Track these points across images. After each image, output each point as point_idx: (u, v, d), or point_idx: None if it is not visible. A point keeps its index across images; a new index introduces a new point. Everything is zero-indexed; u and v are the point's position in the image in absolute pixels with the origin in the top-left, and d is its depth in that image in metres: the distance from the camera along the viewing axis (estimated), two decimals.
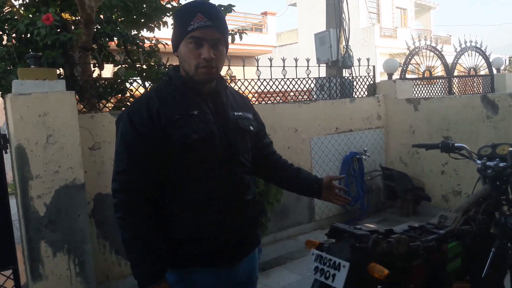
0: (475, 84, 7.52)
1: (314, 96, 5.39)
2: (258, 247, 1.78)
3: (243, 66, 4.35)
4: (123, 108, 3.97)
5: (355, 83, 5.51)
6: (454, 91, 7.22)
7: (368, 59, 5.49)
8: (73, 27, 3.66)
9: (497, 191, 2.53)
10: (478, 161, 2.57)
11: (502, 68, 8.04)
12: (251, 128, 1.65)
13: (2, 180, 3.20)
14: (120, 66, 3.91)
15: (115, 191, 1.46)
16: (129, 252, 1.44)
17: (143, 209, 1.44)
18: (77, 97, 3.67)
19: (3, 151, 3.23)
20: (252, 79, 4.51)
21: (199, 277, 1.53)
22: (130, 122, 1.46)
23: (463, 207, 2.37)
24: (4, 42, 3.69)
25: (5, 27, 3.49)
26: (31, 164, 3.10)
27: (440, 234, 2.14)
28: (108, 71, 4.86)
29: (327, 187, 1.85)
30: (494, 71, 7.65)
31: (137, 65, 4.09)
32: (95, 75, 4.10)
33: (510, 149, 2.42)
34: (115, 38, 3.97)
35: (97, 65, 3.96)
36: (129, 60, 4.12)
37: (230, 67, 4.28)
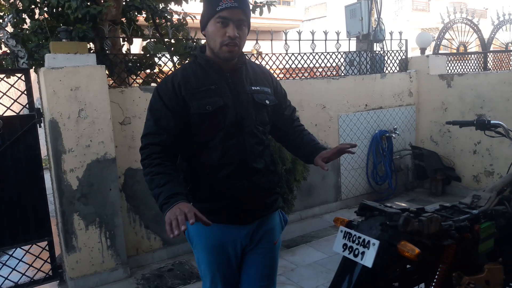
0: (505, 60, 7.18)
1: (344, 72, 5.27)
2: (281, 214, 1.93)
3: (271, 40, 4.27)
4: (153, 84, 3.99)
5: (386, 57, 5.35)
6: (490, 67, 6.92)
7: (400, 33, 5.31)
8: (102, 1, 3.66)
9: None
10: None
11: None
12: (267, 102, 1.77)
13: (37, 154, 3.30)
14: (149, 40, 3.91)
15: (141, 149, 1.66)
16: (152, 188, 1.56)
17: (163, 155, 1.61)
18: (107, 71, 3.71)
19: (38, 125, 3.31)
20: (280, 54, 4.44)
21: (210, 229, 1.65)
22: (158, 94, 1.68)
23: (498, 187, 2.29)
24: (36, 16, 3.74)
25: (37, 0, 3.52)
26: (64, 138, 3.18)
27: (473, 214, 2.08)
28: (136, 45, 4.87)
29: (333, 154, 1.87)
30: None
31: (166, 40, 4.07)
32: (124, 49, 4.12)
33: None
34: (143, 12, 3.95)
35: (126, 39, 3.97)
36: (157, 34, 4.11)
37: (258, 41, 4.23)
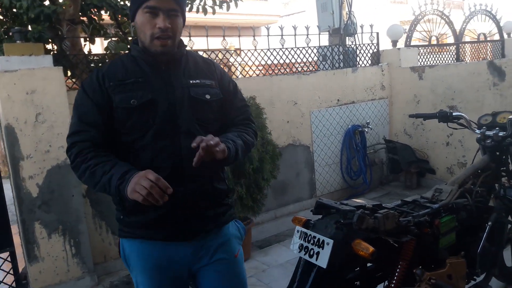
0: (483, 51, 7.22)
1: (320, 67, 5.21)
2: (237, 224, 1.72)
3: (239, 36, 4.19)
4: None
5: (358, 51, 5.31)
6: (464, 58, 6.96)
7: (371, 26, 5.27)
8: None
9: (497, 162, 2.44)
10: (477, 131, 2.46)
11: None
12: (207, 96, 1.57)
13: None
14: (110, 39, 3.80)
15: (67, 151, 1.49)
16: (97, 181, 1.39)
17: (94, 148, 1.45)
18: (68, 73, 3.59)
19: None
20: (249, 50, 4.37)
21: (148, 248, 1.53)
22: (82, 88, 1.53)
23: (459, 180, 2.27)
24: None
25: None
26: (21, 144, 3.06)
27: (433, 209, 2.05)
28: (99, 45, 4.75)
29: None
30: (506, 36, 7.34)
31: (129, 38, 3.97)
32: (86, 49, 4.00)
33: (510, 117, 2.30)
34: (104, 10, 3.83)
35: (87, 39, 3.85)
36: (120, 33, 4.00)
37: (225, 37, 4.14)
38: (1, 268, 3.25)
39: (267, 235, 4.06)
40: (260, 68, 4.67)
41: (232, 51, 4.29)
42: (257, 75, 4.54)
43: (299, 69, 4.94)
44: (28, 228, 3.12)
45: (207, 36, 3.96)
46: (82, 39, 3.86)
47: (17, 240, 3.37)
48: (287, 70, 4.74)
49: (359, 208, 1.75)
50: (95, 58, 3.80)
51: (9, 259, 3.29)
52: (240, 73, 4.65)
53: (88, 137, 1.45)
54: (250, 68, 4.50)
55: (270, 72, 4.60)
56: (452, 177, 4.67)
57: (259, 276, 3.28)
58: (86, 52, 3.77)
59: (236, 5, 4.24)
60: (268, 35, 4.42)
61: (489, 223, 2.24)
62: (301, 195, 4.75)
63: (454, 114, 2.52)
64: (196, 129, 1.53)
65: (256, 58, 4.43)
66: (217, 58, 4.26)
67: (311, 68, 5.05)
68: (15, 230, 3.33)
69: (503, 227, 2.35)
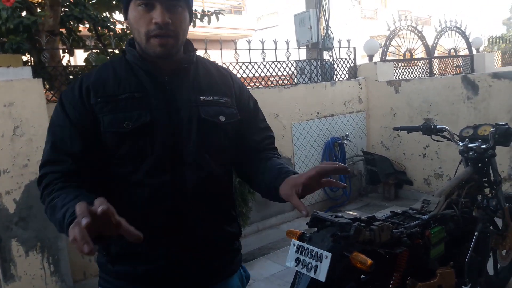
0: (449, 65, 7.50)
1: (295, 81, 5.28)
2: (242, 271, 1.43)
3: (221, 49, 4.20)
4: None
5: (335, 65, 5.42)
6: (435, 72, 7.20)
7: (348, 41, 5.39)
8: (38, 10, 3.45)
9: (479, 173, 2.51)
10: (460, 143, 2.53)
11: (481, 48, 8.04)
12: (222, 118, 1.25)
13: None
14: (90, 51, 3.73)
15: (37, 183, 1.18)
16: (54, 218, 1.06)
17: (65, 179, 1.13)
18: (46, 85, 3.49)
19: None
20: (231, 63, 4.38)
21: None
22: (60, 103, 1.20)
23: (446, 191, 2.32)
24: None
25: None
26: None
27: (423, 220, 2.09)
28: (79, 57, 4.66)
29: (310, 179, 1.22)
30: (474, 52, 7.66)
31: (109, 50, 3.91)
32: (65, 61, 3.91)
33: (491, 130, 2.38)
34: (84, 22, 3.77)
35: (66, 50, 3.77)
36: (100, 45, 3.93)
37: (207, 50, 4.14)
38: None
39: (251, 248, 4.03)
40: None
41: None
42: None
43: (275, 82, 4.97)
44: (4, 246, 2.99)
45: None
46: (60, 51, 3.77)
47: None
48: (262, 83, 4.76)
49: (355, 221, 1.76)
50: (75, 70, 3.72)
51: None
52: None
53: (61, 169, 1.14)
54: None
55: (246, 84, 4.61)
56: (430, 188, 4.80)
57: None
58: (65, 64, 3.69)
59: (218, 18, 4.25)
60: (249, 49, 4.45)
61: (476, 233, 2.30)
62: (284, 208, 4.75)
63: (438, 127, 2.59)
64: (205, 160, 1.22)
65: (238, 71, 4.45)
66: None
67: (286, 82, 5.10)
68: None
69: (488, 237, 2.42)
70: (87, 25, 4.03)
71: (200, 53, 4.10)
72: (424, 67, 6.84)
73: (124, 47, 1.28)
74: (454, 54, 7.47)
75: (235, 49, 4.34)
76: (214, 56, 4.34)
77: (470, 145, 2.48)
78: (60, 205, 1.04)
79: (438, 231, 2.11)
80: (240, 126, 1.32)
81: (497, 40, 9.28)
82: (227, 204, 1.33)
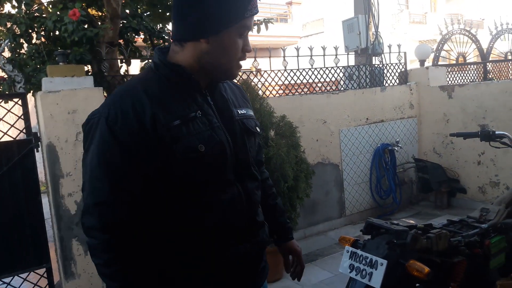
0: (504, 70, 7.15)
1: (343, 86, 5.24)
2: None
3: (270, 57, 4.26)
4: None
5: (385, 71, 5.33)
6: (490, 77, 6.90)
7: (399, 45, 5.30)
8: (99, 23, 3.66)
9: None
10: None
11: None
12: (258, 129, 1.31)
13: (34, 178, 3.25)
14: (146, 61, 3.90)
15: (91, 229, 1.07)
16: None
17: (132, 251, 1.07)
18: (105, 93, 3.69)
19: (35, 149, 3.27)
20: (279, 70, 4.42)
21: None
22: (111, 133, 1.04)
23: (506, 199, 2.24)
24: (34, 41, 3.73)
25: (34, 25, 3.52)
26: (62, 162, 3.14)
27: (483, 228, 2.03)
28: (135, 66, 4.87)
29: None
30: None
31: None
32: (122, 70, 4.11)
33: None
34: (141, 33, 3.95)
35: (124, 60, 3.96)
36: None
37: (257, 58, 4.21)
38: (37, 284, 3.30)
39: None
40: (283, 87, 4.69)
41: (263, 71, 4.35)
42: (287, 94, 4.57)
43: (323, 89, 4.95)
44: (66, 245, 3.17)
45: None
46: (118, 61, 3.97)
47: (51, 255, 3.41)
48: (305, 89, 4.75)
49: (411, 228, 1.75)
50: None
51: (45, 275, 3.33)
52: (264, 93, 4.69)
53: (126, 223, 1.05)
54: (273, 88, 4.53)
55: (294, 92, 4.62)
56: (485, 197, 4.60)
57: None
58: (123, 73, 3.88)
59: (267, 27, 4.32)
60: (297, 56, 4.48)
61: None
62: (331, 214, 4.72)
63: (497, 133, 2.50)
64: (255, 169, 1.29)
65: (286, 78, 4.49)
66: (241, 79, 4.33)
67: (334, 87, 5.07)
68: (51, 246, 3.38)
69: None
70: (142, 36, 4.22)
71: (249, 61, 4.22)
72: (477, 72, 6.58)
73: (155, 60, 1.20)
74: (510, 57, 7.13)
75: (283, 56, 4.38)
76: (262, 64, 4.41)
77: None
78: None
79: (498, 241, 2.03)
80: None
81: None
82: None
